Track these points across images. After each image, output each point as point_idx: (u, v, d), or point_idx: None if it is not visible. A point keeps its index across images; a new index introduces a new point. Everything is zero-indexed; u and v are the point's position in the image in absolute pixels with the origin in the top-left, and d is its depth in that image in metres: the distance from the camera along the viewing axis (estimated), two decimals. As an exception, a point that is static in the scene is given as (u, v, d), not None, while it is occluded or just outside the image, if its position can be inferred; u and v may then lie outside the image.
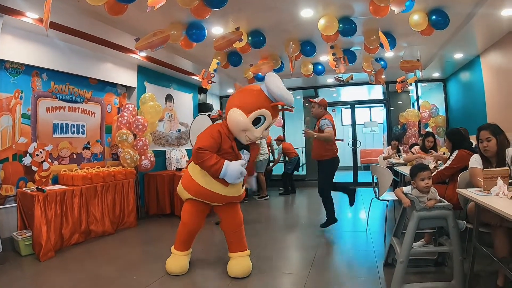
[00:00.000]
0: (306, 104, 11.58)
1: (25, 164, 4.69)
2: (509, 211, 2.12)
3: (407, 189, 3.21)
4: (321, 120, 5.05)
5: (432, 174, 3.96)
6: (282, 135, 9.77)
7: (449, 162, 3.93)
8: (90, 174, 5.08)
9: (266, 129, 3.49)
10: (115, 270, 3.75)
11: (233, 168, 3.28)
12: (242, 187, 3.64)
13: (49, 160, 4.96)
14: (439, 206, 2.96)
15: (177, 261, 3.62)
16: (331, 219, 5.11)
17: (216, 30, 5.38)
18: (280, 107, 3.44)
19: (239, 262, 3.54)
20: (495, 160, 3.13)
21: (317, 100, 5.25)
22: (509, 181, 2.74)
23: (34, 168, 4.79)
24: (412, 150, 6.14)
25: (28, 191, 4.44)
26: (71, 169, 5.34)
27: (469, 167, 3.30)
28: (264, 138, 3.79)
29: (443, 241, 3.19)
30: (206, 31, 5.11)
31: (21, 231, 4.33)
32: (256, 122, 3.33)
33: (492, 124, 3.21)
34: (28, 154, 4.72)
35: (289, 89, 3.51)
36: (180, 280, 3.47)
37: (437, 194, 3.13)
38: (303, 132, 5.33)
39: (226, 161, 3.29)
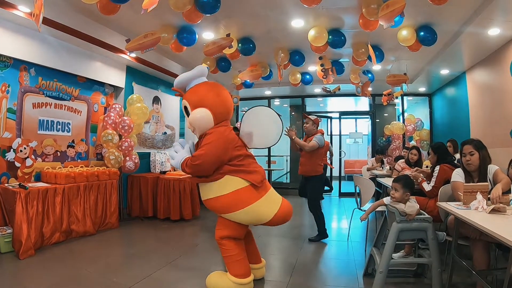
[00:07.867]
0: (293, 113, 11.65)
1: (8, 159, 4.62)
2: (487, 225, 2.19)
3: (387, 200, 3.28)
4: (315, 136, 5.00)
5: (427, 190, 4.08)
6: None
7: (433, 180, 4.08)
8: (74, 173, 5.03)
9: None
10: (95, 271, 3.72)
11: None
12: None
13: (32, 156, 4.91)
14: (419, 218, 3.02)
15: None
16: (323, 233, 5.06)
17: (207, 35, 5.42)
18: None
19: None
20: (477, 175, 3.21)
21: (312, 117, 5.18)
22: (488, 196, 2.82)
23: (17, 164, 4.73)
24: (397, 165, 6.22)
25: (10, 187, 4.37)
26: (55, 167, 5.27)
27: (451, 180, 3.39)
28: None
29: (422, 252, 3.25)
30: (197, 36, 5.14)
31: (1, 228, 4.25)
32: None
33: (475, 139, 3.30)
34: (11, 150, 4.65)
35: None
36: (160, 282, 3.46)
37: (416, 203, 3.19)
38: (286, 129, 4.58)
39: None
